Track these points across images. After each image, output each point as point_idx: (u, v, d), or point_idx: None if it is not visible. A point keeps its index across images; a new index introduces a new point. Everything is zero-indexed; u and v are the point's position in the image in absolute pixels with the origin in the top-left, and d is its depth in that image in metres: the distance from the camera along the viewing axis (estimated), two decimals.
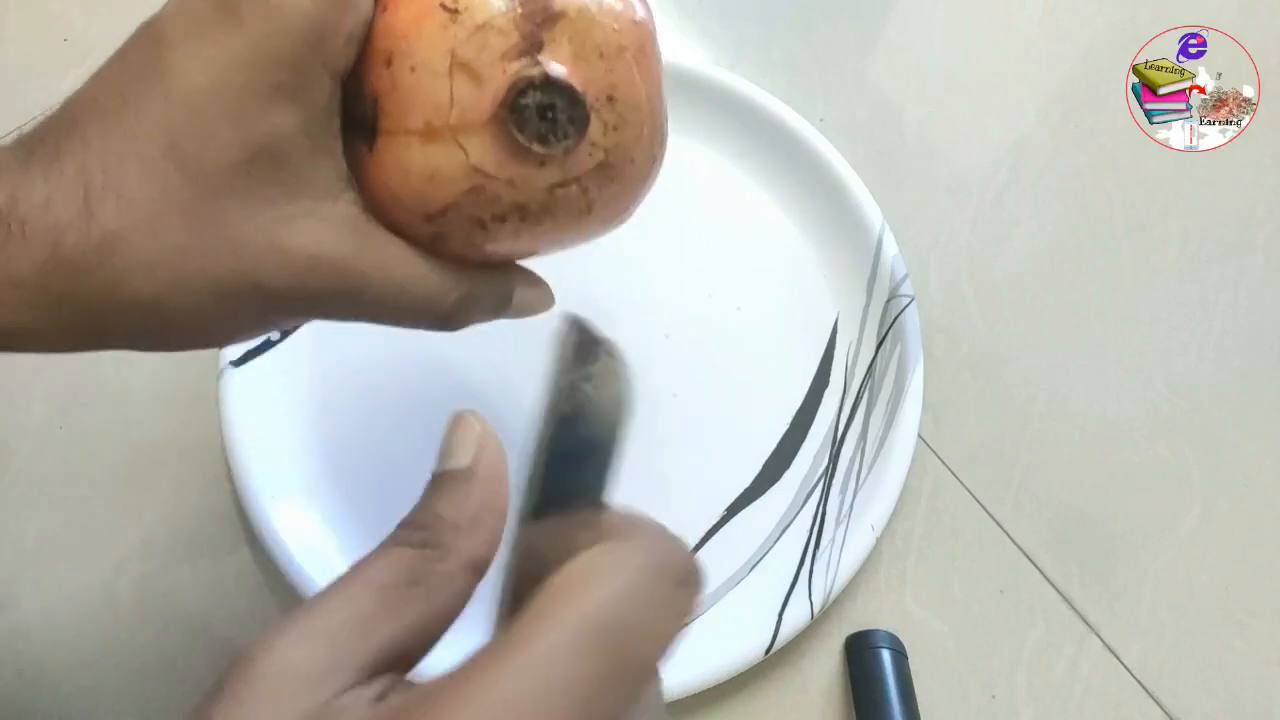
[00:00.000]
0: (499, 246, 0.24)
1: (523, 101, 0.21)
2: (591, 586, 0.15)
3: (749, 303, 0.42)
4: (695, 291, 0.42)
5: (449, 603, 0.17)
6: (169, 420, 0.38)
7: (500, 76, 0.21)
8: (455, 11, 0.21)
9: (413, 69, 0.21)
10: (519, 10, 0.22)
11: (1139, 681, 0.37)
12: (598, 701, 0.14)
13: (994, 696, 0.37)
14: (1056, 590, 0.39)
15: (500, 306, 0.26)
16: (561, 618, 0.15)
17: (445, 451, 0.19)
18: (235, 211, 0.21)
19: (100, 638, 0.35)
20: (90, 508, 0.37)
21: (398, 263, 0.23)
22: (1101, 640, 0.38)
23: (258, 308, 0.22)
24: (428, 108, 0.21)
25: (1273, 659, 0.38)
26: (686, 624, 0.17)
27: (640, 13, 0.24)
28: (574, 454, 0.19)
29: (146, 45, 0.21)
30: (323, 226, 0.22)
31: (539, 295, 0.27)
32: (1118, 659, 0.38)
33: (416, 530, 0.18)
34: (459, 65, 0.21)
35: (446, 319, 0.25)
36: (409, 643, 0.17)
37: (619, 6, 0.23)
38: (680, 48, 0.48)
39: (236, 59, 0.20)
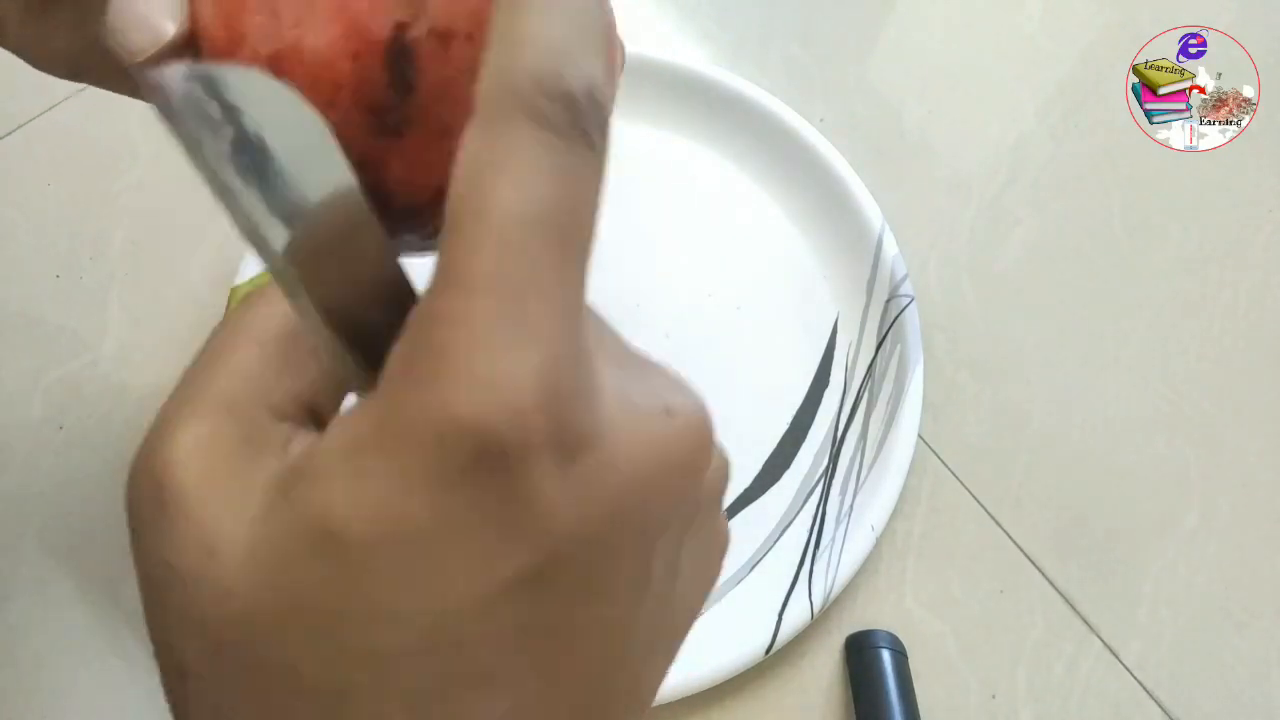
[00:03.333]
0: None
1: None
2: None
3: (749, 303, 0.42)
4: (695, 291, 0.42)
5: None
6: None
7: None
8: None
9: None
10: None
11: (1139, 681, 0.37)
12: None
13: (994, 696, 0.37)
14: (1056, 590, 0.38)
15: None
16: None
17: None
18: None
19: (102, 639, 0.35)
20: (90, 507, 0.37)
21: None
22: (1101, 640, 0.38)
23: None
24: None
25: (1273, 659, 0.38)
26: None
27: None
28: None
29: None
30: None
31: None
32: (1118, 659, 0.38)
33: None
34: None
35: None
36: (314, 395, 0.15)
37: None
38: (680, 48, 0.48)
39: None
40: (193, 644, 0.13)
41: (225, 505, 0.13)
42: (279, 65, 0.15)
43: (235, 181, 0.12)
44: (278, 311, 0.15)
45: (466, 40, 0.16)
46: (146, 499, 0.13)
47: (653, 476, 0.14)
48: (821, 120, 0.46)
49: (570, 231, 0.13)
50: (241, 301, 0.15)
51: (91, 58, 0.21)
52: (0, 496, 0.38)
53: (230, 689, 0.13)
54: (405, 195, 0.17)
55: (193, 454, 0.13)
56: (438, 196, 0.15)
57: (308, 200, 0.12)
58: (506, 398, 0.12)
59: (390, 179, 0.16)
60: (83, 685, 0.35)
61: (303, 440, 0.14)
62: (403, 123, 0.16)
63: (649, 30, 0.49)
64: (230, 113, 0.12)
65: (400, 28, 0.15)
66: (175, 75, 0.11)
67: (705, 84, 0.44)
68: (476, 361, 0.12)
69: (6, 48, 0.21)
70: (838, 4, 0.50)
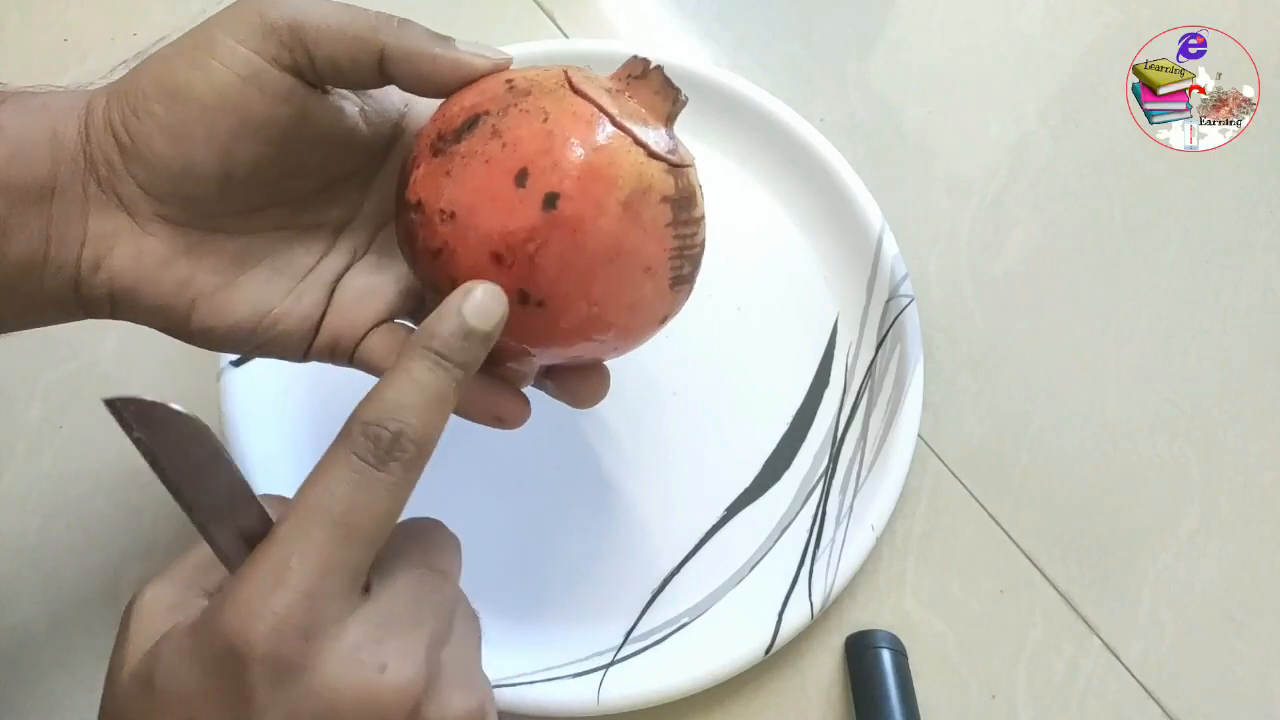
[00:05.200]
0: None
1: None
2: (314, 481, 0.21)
3: (749, 303, 0.42)
4: (695, 292, 0.42)
5: None
6: None
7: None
8: None
9: None
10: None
11: (1139, 681, 0.37)
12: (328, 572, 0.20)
13: (994, 696, 0.37)
14: (1056, 590, 0.39)
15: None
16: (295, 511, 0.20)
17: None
18: None
19: (102, 638, 0.35)
20: (90, 507, 0.37)
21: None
22: (1101, 640, 0.38)
23: None
24: None
25: (1273, 659, 0.38)
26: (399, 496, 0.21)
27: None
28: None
29: None
30: None
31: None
32: (1118, 659, 0.38)
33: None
34: None
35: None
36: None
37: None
38: (680, 48, 0.48)
39: None
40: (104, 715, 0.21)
41: (145, 642, 0.21)
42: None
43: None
44: None
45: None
46: (123, 620, 0.22)
47: (346, 712, 0.19)
48: (821, 120, 0.46)
49: (351, 524, 0.20)
50: None
51: (267, 325, 0.27)
52: (0, 496, 0.38)
53: None
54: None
55: (149, 606, 0.22)
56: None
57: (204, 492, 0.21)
58: (249, 621, 0.19)
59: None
60: (83, 685, 0.35)
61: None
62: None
63: (649, 30, 0.49)
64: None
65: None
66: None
67: (705, 84, 0.44)
68: (245, 593, 0.19)
69: (185, 336, 0.28)
70: (838, 4, 0.50)
